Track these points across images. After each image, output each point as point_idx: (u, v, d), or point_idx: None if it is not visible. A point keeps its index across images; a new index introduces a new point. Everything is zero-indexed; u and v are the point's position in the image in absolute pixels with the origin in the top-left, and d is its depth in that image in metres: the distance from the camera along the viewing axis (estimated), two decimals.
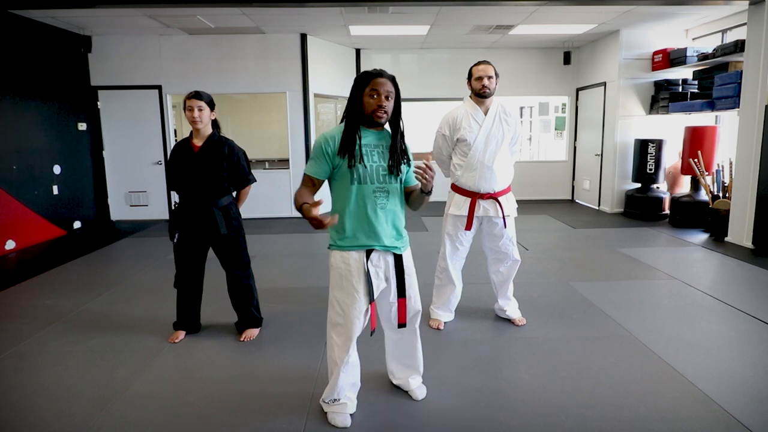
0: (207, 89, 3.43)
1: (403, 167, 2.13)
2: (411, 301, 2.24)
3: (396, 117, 2.10)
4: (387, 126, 2.15)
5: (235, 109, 8.77)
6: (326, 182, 2.15)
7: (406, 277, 2.17)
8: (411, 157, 2.20)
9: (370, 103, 2.02)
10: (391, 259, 2.14)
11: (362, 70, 8.29)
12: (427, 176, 1.98)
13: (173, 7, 5.36)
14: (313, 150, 2.09)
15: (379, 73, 2.02)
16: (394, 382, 2.50)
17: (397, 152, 2.08)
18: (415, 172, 1.99)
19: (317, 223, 1.85)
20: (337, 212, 2.05)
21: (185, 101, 2.88)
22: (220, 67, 7.14)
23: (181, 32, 6.86)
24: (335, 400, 2.21)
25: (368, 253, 2.08)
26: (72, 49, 6.72)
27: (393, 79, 2.05)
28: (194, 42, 7.06)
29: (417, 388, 2.42)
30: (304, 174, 2.10)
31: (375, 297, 2.12)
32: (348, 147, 2.02)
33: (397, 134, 2.10)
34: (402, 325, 2.21)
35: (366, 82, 2.02)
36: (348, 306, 2.08)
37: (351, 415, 2.23)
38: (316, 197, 2.00)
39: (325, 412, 2.25)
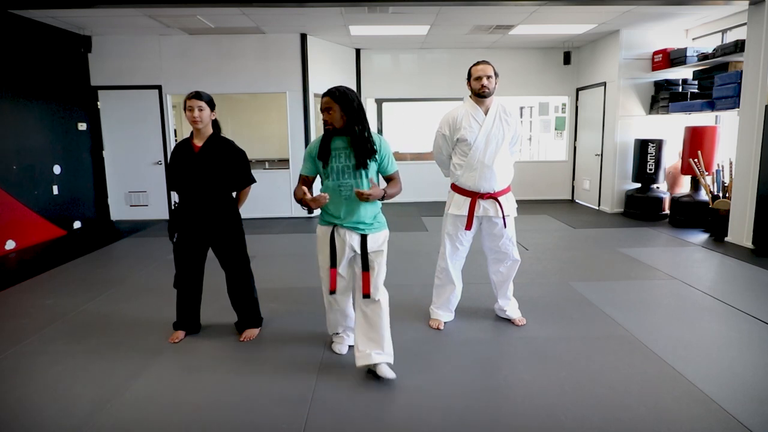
0: (207, 89, 3.43)
1: (369, 162, 2.55)
2: (375, 277, 2.58)
3: (350, 122, 2.50)
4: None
5: (235, 109, 8.78)
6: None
7: (369, 254, 2.58)
8: (386, 149, 2.61)
9: (323, 118, 2.55)
10: (357, 238, 2.58)
11: (362, 70, 8.42)
12: (366, 197, 2.42)
13: (173, 7, 5.37)
14: (304, 154, 2.69)
15: (324, 94, 2.52)
16: (359, 363, 2.55)
17: (358, 154, 2.51)
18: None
19: (313, 203, 2.45)
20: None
21: (185, 101, 2.88)
22: (220, 67, 7.14)
23: (181, 32, 6.86)
24: (336, 333, 2.92)
25: (336, 228, 2.61)
26: (72, 49, 6.72)
27: (333, 94, 2.48)
28: (194, 42, 7.06)
29: (382, 364, 2.55)
30: (300, 174, 2.71)
31: (338, 265, 2.61)
32: (321, 151, 2.58)
33: (354, 137, 2.52)
34: (366, 295, 2.57)
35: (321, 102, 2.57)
36: (321, 264, 2.71)
37: (350, 346, 2.86)
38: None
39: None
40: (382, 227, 2.66)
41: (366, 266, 2.56)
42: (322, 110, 2.52)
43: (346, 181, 2.54)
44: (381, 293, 2.59)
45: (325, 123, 2.53)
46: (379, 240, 2.63)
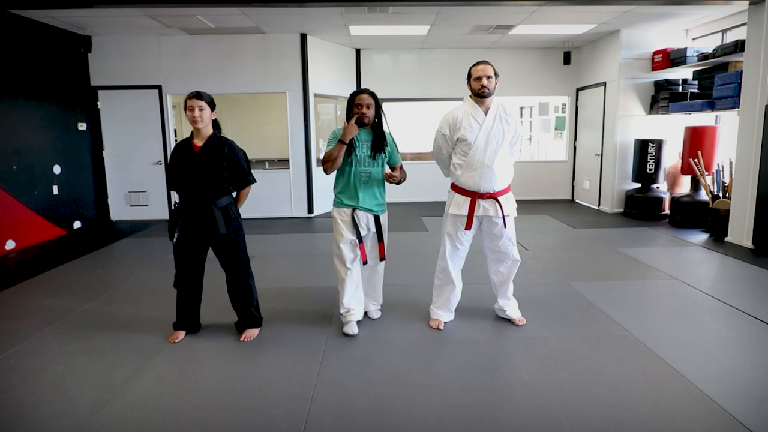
0: (207, 89, 3.43)
1: (383, 153, 3.11)
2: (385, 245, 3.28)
3: (377, 119, 3.09)
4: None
5: (235, 109, 8.77)
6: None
7: (382, 229, 3.21)
8: (393, 143, 3.21)
9: (356, 112, 3.03)
10: (371, 217, 3.16)
11: (362, 70, 8.40)
12: (392, 181, 3.14)
13: (173, 7, 5.36)
14: (330, 137, 3.10)
15: (361, 91, 3.06)
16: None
17: (376, 145, 3.08)
18: (387, 179, 3.12)
19: (348, 135, 2.96)
20: (338, 183, 3.14)
21: (186, 101, 2.88)
22: (220, 67, 7.13)
23: (181, 32, 6.86)
24: (348, 310, 3.13)
25: (355, 210, 3.10)
26: (72, 49, 6.72)
27: (371, 94, 3.07)
28: (194, 42, 7.06)
29: (374, 311, 3.43)
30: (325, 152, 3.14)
31: (362, 240, 3.11)
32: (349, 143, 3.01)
33: (376, 132, 3.10)
34: (382, 258, 3.27)
35: (353, 98, 3.07)
36: (337, 241, 3.12)
37: (358, 322, 3.17)
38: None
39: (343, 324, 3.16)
40: (385, 209, 3.28)
41: (381, 238, 3.21)
42: (360, 105, 3.01)
43: (366, 169, 3.08)
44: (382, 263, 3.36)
45: (361, 117, 3.00)
46: (386, 218, 3.30)
